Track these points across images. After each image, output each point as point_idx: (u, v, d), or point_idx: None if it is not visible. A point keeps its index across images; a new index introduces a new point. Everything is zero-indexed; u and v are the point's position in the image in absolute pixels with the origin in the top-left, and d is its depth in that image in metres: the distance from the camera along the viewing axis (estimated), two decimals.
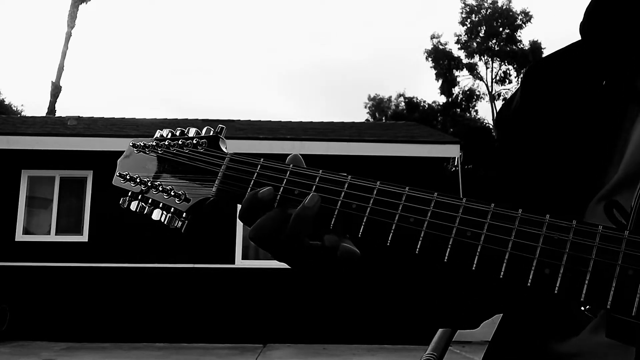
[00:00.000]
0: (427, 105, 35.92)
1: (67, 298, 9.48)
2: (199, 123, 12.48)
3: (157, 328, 9.41)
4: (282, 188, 0.70)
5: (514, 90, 0.89)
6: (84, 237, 9.86)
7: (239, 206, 0.72)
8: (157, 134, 0.83)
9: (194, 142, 0.79)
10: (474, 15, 35.50)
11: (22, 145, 9.96)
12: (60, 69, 26.18)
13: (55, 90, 25.90)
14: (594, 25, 0.78)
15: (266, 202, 0.69)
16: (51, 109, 25.37)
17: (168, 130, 0.83)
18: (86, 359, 7.93)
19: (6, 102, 35.28)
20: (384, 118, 36.76)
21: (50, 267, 9.59)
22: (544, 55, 0.87)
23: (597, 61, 0.76)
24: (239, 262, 9.81)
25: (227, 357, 8.23)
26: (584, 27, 0.80)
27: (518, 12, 35.11)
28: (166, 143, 0.81)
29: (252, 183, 0.72)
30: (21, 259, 9.62)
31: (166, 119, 13.53)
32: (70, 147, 9.93)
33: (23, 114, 33.41)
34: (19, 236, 9.86)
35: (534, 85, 0.82)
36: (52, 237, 9.93)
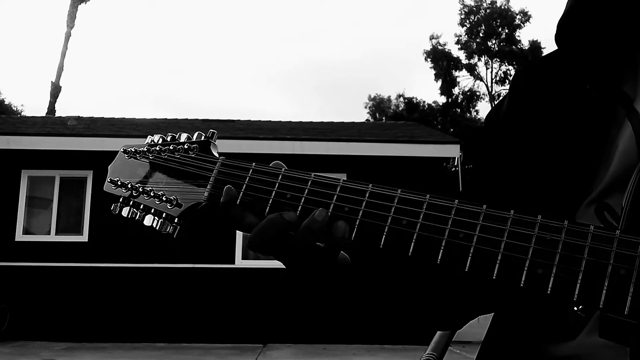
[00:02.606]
0: (427, 106, 35.91)
1: (67, 298, 9.47)
2: (198, 123, 12.50)
3: (157, 328, 9.41)
4: (274, 192, 0.70)
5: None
6: (84, 237, 9.86)
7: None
8: (148, 139, 0.83)
9: (185, 147, 0.79)
10: (472, 16, 35.49)
11: (22, 145, 9.95)
12: (60, 69, 26.18)
13: (55, 90, 25.89)
14: (569, 36, 0.79)
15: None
16: (51, 109, 25.36)
17: (159, 135, 0.83)
18: (86, 359, 7.93)
19: (6, 102, 35.30)
20: (384, 118, 36.75)
21: (50, 267, 9.59)
22: (531, 61, 0.88)
23: (579, 68, 0.76)
24: (239, 262, 9.81)
25: (227, 357, 8.23)
26: (559, 38, 0.81)
27: (517, 12, 35.12)
28: (157, 148, 0.81)
29: (244, 187, 0.72)
30: (21, 259, 9.62)
31: (166, 119, 13.53)
32: (70, 147, 9.92)
33: (23, 114, 33.43)
34: (19, 236, 9.86)
35: (521, 90, 0.83)
36: (52, 237, 9.93)
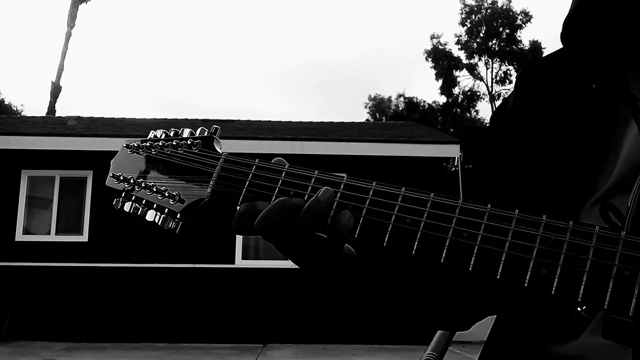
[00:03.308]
0: (427, 106, 35.95)
1: (67, 298, 9.48)
2: (199, 123, 12.48)
3: (157, 328, 9.41)
4: (277, 189, 0.70)
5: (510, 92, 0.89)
6: (84, 237, 9.86)
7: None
8: (151, 135, 0.83)
9: (188, 142, 0.78)
10: (473, 16, 35.52)
11: (22, 145, 9.96)
12: (60, 69, 26.18)
13: (55, 90, 25.90)
14: (574, 35, 0.78)
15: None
16: (51, 109, 25.37)
17: (162, 131, 0.82)
18: (86, 359, 7.93)
19: (6, 102, 35.35)
20: (384, 118, 36.79)
21: (50, 267, 9.59)
22: (536, 59, 0.88)
23: (584, 66, 0.76)
24: (239, 262, 9.81)
25: (227, 357, 8.23)
26: (564, 37, 0.80)
27: (518, 12, 35.16)
28: (160, 144, 0.80)
29: (247, 184, 0.71)
30: (21, 259, 9.62)
31: (166, 118, 13.53)
32: (70, 147, 9.93)
33: (23, 114, 33.47)
34: (19, 236, 9.86)
35: (526, 89, 0.82)
36: (52, 237, 9.93)
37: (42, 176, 10.13)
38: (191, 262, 9.62)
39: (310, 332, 9.35)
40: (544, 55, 0.92)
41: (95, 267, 9.63)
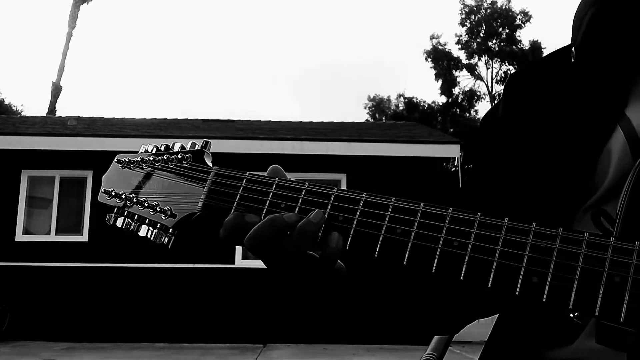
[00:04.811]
0: (427, 106, 35.93)
1: (67, 298, 9.47)
2: (198, 123, 12.50)
3: (157, 328, 9.41)
4: (268, 201, 0.70)
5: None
6: (84, 237, 9.86)
7: None
8: (142, 149, 0.83)
9: (179, 157, 0.78)
10: (473, 16, 35.50)
11: (22, 145, 9.96)
12: (61, 69, 26.18)
13: (56, 90, 25.89)
14: (594, 47, 0.75)
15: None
16: (51, 109, 25.36)
17: (153, 145, 0.83)
18: (86, 359, 7.93)
19: (6, 102, 35.35)
20: (384, 118, 36.77)
21: (50, 267, 9.59)
22: (523, 66, 0.88)
23: (587, 75, 0.75)
24: (239, 262, 9.81)
25: (227, 357, 8.23)
26: (581, 48, 0.76)
27: (517, 12, 35.14)
28: (151, 158, 0.80)
29: (238, 197, 0.72)
30: (21, 259, 9.62)
31: (166, 119, 13.52)
32: (70, 147, 9.92)
33: (23, 114, 33.45)
34: (19, 236, 9.86)
35: (516, 95, 0.82)
36: (52, 237, 9.93)
37: (42, 176, 10.13)
38: (191, 262, 9.62)
39: (310, 332, 9.35)
40: (536, 58, 0.92)
41: (95, 267, 9.63)
